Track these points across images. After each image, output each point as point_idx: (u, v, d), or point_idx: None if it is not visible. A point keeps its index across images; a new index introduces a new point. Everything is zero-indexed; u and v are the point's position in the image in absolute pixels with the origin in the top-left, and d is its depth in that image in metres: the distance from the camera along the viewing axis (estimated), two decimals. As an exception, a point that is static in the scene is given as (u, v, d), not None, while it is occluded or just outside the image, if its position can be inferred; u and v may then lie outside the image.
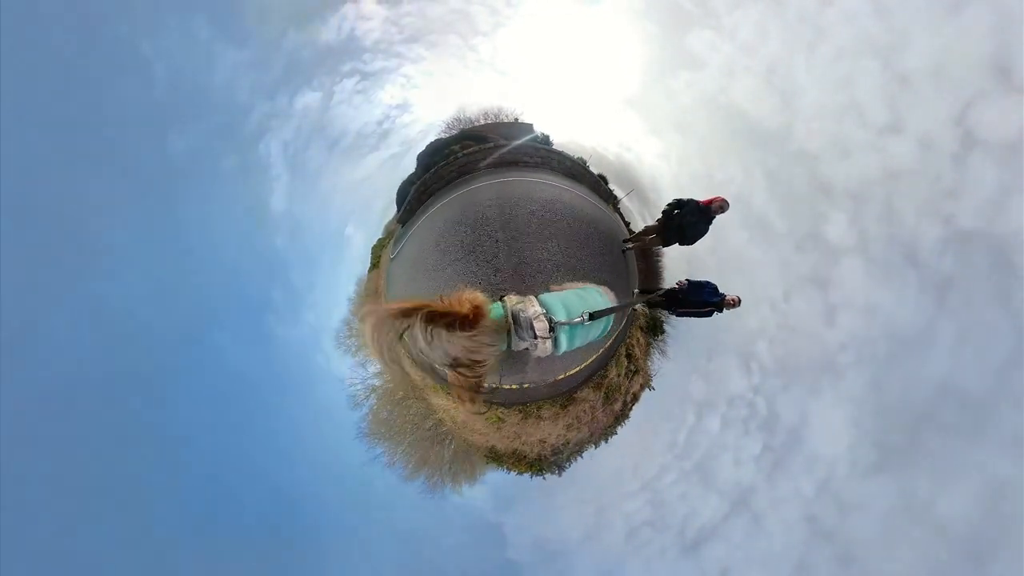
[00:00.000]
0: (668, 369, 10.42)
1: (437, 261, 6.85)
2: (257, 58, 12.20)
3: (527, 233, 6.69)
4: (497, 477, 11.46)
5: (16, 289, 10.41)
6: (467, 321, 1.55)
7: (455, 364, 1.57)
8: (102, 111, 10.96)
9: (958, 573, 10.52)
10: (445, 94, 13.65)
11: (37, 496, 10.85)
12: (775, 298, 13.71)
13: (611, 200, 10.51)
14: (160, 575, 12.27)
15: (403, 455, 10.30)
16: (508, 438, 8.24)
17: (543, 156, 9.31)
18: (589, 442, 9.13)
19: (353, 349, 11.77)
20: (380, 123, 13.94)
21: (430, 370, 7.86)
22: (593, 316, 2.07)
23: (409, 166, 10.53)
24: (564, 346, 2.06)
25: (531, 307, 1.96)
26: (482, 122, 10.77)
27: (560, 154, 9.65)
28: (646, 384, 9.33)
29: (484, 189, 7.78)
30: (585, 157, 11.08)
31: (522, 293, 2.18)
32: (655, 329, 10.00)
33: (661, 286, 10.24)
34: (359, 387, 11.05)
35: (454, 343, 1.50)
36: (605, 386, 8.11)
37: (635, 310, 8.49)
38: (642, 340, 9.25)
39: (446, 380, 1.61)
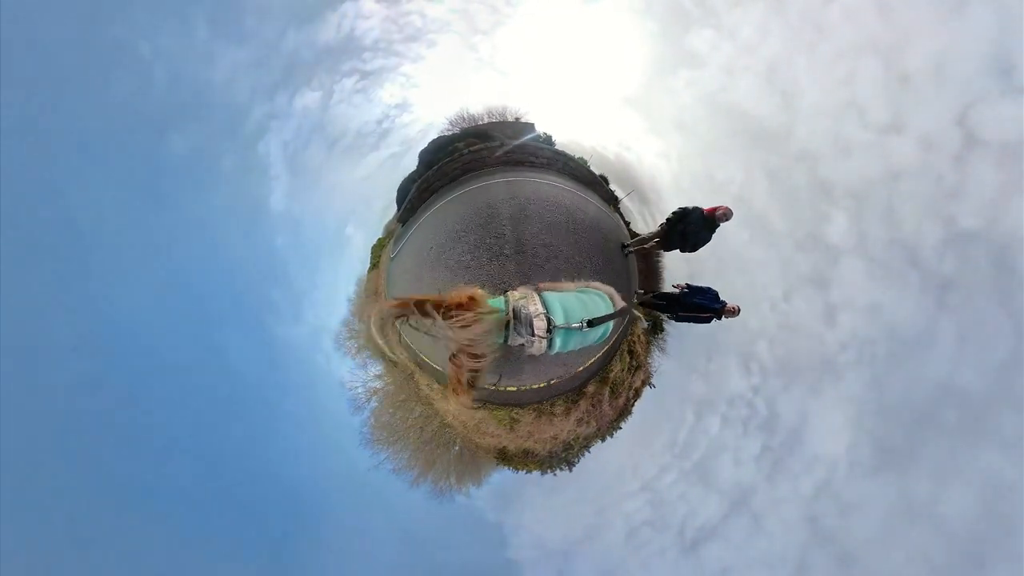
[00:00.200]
0: (668, 369, 10.44)
1: (440, 258, 6.85)
2: (256, 58, 12.18)
3: (532, 233, 6.71)
4: (497, 477, 11.50)
5: (15, 289, 10.41)
6: (462, 307, 1.59)
7: (455, 354, 1.59)
8: (101, 111, 10.95)
9: (958, 573, 10.53)
10: (445, 93, 13.63)
11: (38, 496, 10.87)
12: (775, 298, 13.71)
13: (612, 201, 10.51)
14: (159, 573, 12.29)
15: (408, 460, 10.25)
16: (521, 438, 8.31)
17: (548, 157, 9.33)
18: (596, 436, 9.24)
19: (353, 351, 11.75)
20: (380, 122, 13.92)
21: (429, 367, 7.89)
22: (591, 323, 2.09)
23: (409, 166, 10.51)
24: (558, 347, 2.08)
25: (533, 304, 1.98)
26: (486, 120, 10.74)
27: (565, 155, 9.68)
28: (647, 380, 9.42)
29: (490, 188, 7.77)
30: (585, 157, 11.09)
31: (526, 289, 2.20)
32: (654, 327, 10.04)
33: (661, 288, 10.26)
34: (360, 390, 11.01)
35: (452, 330, 1.53)
36: (611, 380, 8.23)
37: (636, 314, 8.50)
38: (643, 337, 9.32)
39: (444, 374, 1.64)
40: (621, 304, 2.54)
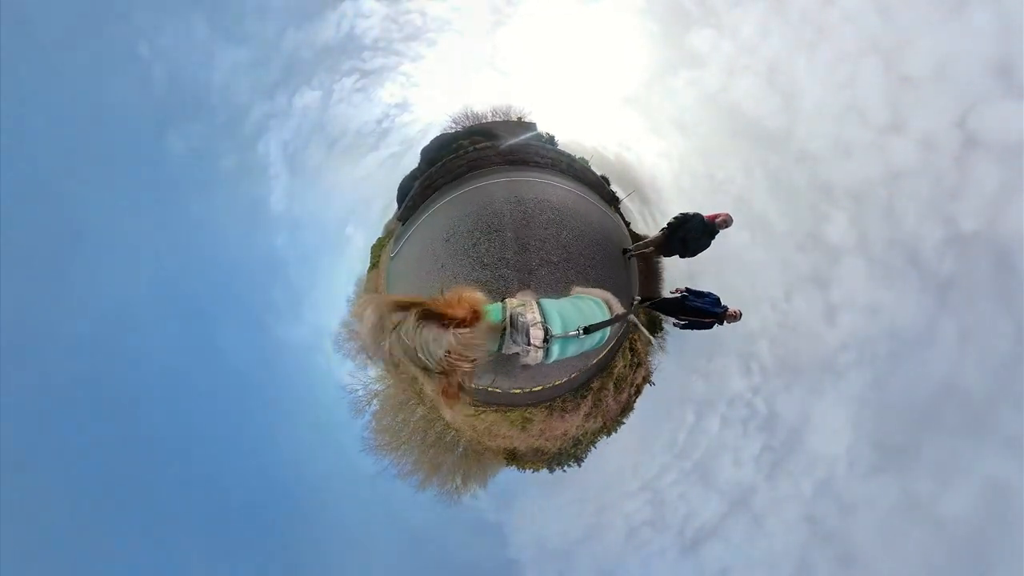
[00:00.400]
0: (668, 369, 10.44)
1: (441, 257, 6.82)
2: (256, 57, 12.16)
3: (535, 236, 6.67)
4: (498, 476, 11.48)
5: (15, 289, 10.37)
6: (463, 323, 1.54)
7: (444, 359, 1.56)
8: (100, 111, 10.92)
9: (959, 573, 10.54)
10: (445, 93, 13.61)
11: (38, 495, 10.83)
12: (775, 298, 13.72)
13: (613, 202, 10.50)
14: (159, 574, 12.26)
15: (413, 464, 10.19)
16: (533, 437, 8.38)
17: (553, 157, 9.32)
18: (602, 431, 9.34)
19: (353, 352, 11.71)
20: (380, 122, 13.90)
21: (419, 366, 7.80)
22: (588, 330, 2.08)
23: (409, 165, 10.49)
24: (555, 356, 2.05)
25: (530, 313, 1.94)
26: (490, 119, 10.73)
27: (568, 156, 9.67)
28: (647, 378, 9.49)
29: (494, 187, 7.73)
30: (586, 157, 11.09)
31: (524, 296, 2.16)
32: (653, 326, 10.07)
33: (661, 290, 10.26)
34: (360, 392, 10.95)
35: (446, 341, 1.48)
36: (615, 375, 8.38)
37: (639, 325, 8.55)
38: (644, 336, 9.34)
39: (431, 373, 1.59)
40: (619, 310, 2.53)
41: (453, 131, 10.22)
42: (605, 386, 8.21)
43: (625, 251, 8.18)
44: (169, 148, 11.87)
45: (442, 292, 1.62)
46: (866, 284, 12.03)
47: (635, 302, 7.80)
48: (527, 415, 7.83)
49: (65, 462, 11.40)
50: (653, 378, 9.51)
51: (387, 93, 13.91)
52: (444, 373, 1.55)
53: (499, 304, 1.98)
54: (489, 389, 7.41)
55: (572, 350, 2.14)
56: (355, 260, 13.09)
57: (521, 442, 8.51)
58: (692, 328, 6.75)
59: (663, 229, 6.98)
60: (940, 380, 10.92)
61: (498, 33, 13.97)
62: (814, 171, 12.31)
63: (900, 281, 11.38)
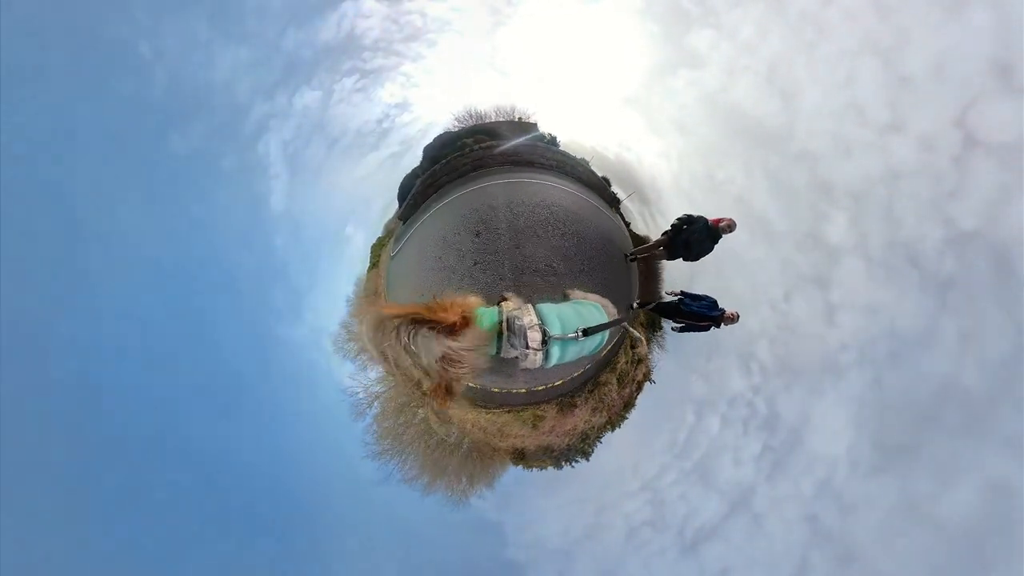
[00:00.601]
0: (668, 369, 10.43)
1: (442, 258, 6.81)
2: (256, 57, 12.19)
3: (537, 236, 6.65)
4: (501, 477, 11.45)
5: (16, 289, 10.39)
6: (453, 329, 1.56)
7: (437, 365, 1.56)
8: (102, 111, 10.95)
9: (959, 572, 10.53)
10: (445, 93, 13.65)
11: (39, 495, 10.84)
12: (775, 298, 13.72)
13: (614, 203, 10.51)
14: (159, 574, 12.26)
15: (417, 468, 10.10)
16: (544, 434, 8.43)
17: (557, 159, 9.30)
18: (607, 426, 9.37)
19: (352, 353, 11.67)
20: (380, 122, 13.94)
21: (416, 370, 7.77)
22: (587, 332, 2.06)
23: (409, 165, 10.48)
24: (555, 359, 2.04)
25: (527, 316, 1.94)
26: (493, 119, 10.73)
27: (572, 157, 9.68)
28: (647, 375, 9.54)
29: (497, 188, 7.69)
30: (586, 157, 11.10)
31: (523, 298, 2.16)
32: (653, 325, 10.09)
33: (660, 290, 10.26)
34: (360, 395, 10.83)
35: (436, 347, 1.51)
36: (618, 371, 8.44)
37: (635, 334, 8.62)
38: (643, 333, 9.40)
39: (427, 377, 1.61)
40: (615, 315, 2.52)
41: (456, 129, 10.24)
42: (609, 381, 8.28)
43: (627, 255, 8.17)
44: (170, 148, 11.91)
45: (434, 298, 1.64)
46: (866, 284, 12.05)
47: (633, 306, 7.80)
48: (538, 413, 7.88)
49: (65, 462, 11.41)
50: (653, 376, 9.54)
51: (387, 93, 13.97)
52: (437, 377, 1.57)
53: (495, 308, 1.98)
54: (500, 391, 7.45)
55: (572, 354, 2.12)
56: (355, 260, 13.12)
57: (532, 441, 8.56)
58: (689, 331, 6.74)
59: (666, 232, 6.97)
60: (940, 380, 10.94)
61: (498, 33, 14.01)
62: (814, 171, 12.33)
63: (900, 281, 11.40)
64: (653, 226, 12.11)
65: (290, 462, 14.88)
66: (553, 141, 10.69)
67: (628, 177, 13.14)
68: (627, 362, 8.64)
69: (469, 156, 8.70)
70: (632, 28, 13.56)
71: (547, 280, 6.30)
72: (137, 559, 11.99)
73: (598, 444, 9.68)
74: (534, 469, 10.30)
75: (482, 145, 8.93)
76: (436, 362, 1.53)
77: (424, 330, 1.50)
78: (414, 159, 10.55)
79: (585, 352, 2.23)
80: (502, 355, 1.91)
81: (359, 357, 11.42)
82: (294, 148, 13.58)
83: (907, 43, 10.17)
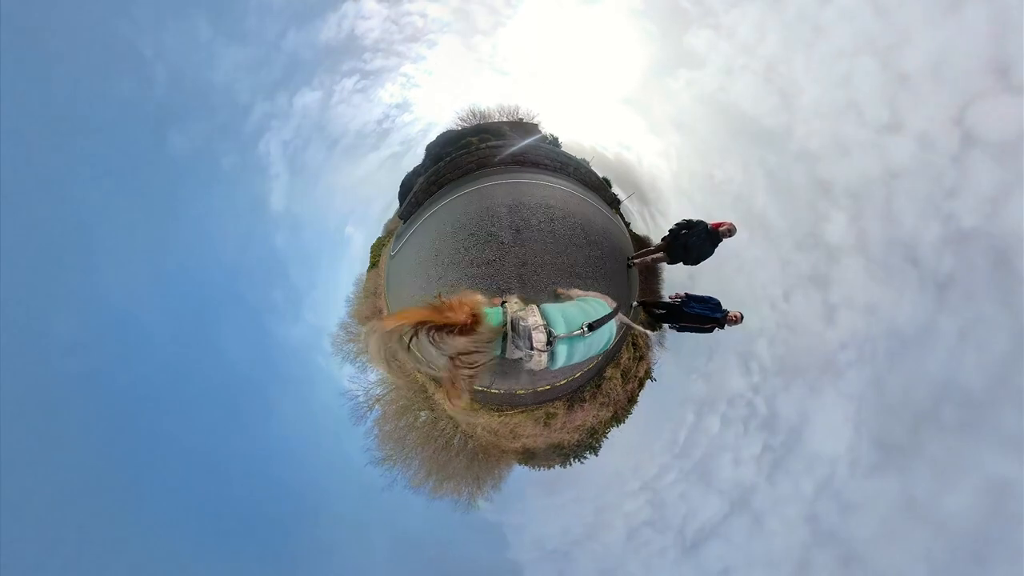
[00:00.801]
0: (668, 369, 10.43)
1: (443, 258, 6.80)
2: (257, 57, 12.25)
3: (540, 238, 6.66)
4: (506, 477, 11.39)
5: (16, 288, 10.41)
6: (463, 329, 1.57)
7: (449, 365, 1.57)
8: (103, 110, 10.99)
9: (960, 572, 10.49)
10: (445, 93, 13.70)
11: (40, 494, 10.83)
12: (775, 297, 13.73)
13: (614, 204, 10.54)
14: (159, 574, 12.23)
15: (422, 472, 9.99)
16: (555, 431, 8.45)
17: (561, 161, 9.34)
18: (613, 421, 9.42)
19: (352, 354, 11.63)
20: (380, 122, 13.99)
21: (429, 374, 7.75)
22: (592, 327, 2.03)
23: (409, 165, 10.52)
24: (561, 360, 2.00)
25: (532, 316, 1.91)
26: (496, 119, 10.77)
27: (576, 160, 9.73)
28: (648, 372, 9.58)
29: (501, 187, 7.69)
30: (587, 158, 11.14)
31: (526, 299, 2.13)
32: (653, 324, 10.10)
33: (660, 289, 10.28)
34: (361, 398, 10.75)
35: (449, 346, 1.53)
36: (621, 366, 8.52)
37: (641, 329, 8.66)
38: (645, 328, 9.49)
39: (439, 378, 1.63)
40: (618, 311, 2.50)
41: (460, 128, 10.27)
42: (613, 376, 8.36)
43: (627, 262, 8.17)
44: (170, 147, 11.95)
45: (439, 298, 1.64)
46: (865, 283, 12.06)
47: (634, 306, 7.79)
48: (551, 410, 7.94)
49: (65, 461, 11.41)
50: (653, 374, 9.57)
51: (387, 94, 14.03)
52: (449, 376, 1.59)
53: (499, 308, 1.95)
54: (516, 391, 7.48)
55: (580, 352, 2.09)
56: (355, 260, 13.15)
57: (543, 439, 8.58)
58: (691, 331, 6.71)
59: (665, 236, 6.96)
60: (940, 378, 10.92)
61: (498, 34, 14.07)
62: (812, 170, 12.36)
63: (899, 279, 11.40)
64: (653, 226, 12.15)
65: (289, 462, 14.88)
66: (555, 142, 10.73)
67: (628, 177, 13.19)
68: (630, 358, 8.72)
69: (475, 154, 8.72)
70: (631, 28, 13.62)
71: (549, 282, 6.30)
72: (136, 559, 11.99)
73: (605, 439, 9.68)
74: (541, 468, 10.30)
75: (487, 144, 8.96)
76: (450, 363, 1.55)
77: (436, 333, 1.51)
78: (414, 159, 10.60)
79: (593, 351, 2.20)
80: (507, 356, 1.89)
81: (359, 358, 11.41)
82: (294, 148, 13.64)
83: (905, 42, 10.21)
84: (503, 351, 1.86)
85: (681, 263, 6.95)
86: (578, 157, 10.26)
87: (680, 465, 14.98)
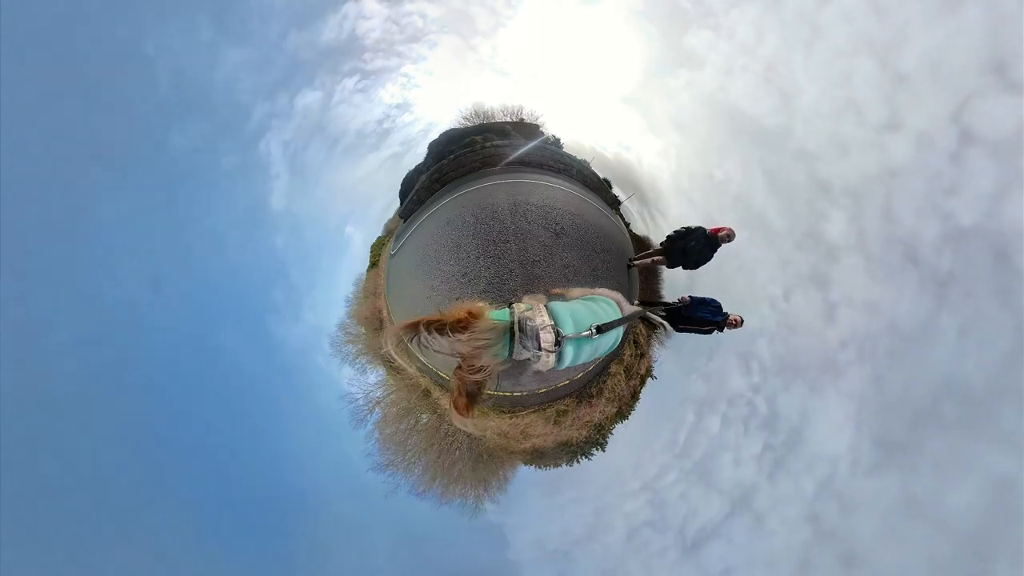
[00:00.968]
0: (668, 369, 10.42)
1: (444, 258, 6.79)
2: (258, 57, 12.30)
3: (542, 239, 6.65)
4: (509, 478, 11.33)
5: (17, 288, 10.40)
6: (461, 324, 1.58)
7: (459, 368, 1.58)
8: (104, 109, 11.02)
9: (962, 570, 10.46)
10: (445, 94, 13.76)
11: (40, 494, 10.79)
12: (775, 297, 13.74)
13: (615, 204, 10.56)
14: (159, 573, 12.18)
15: (427, 477, 9.83)
16: (565, 429, 8.44)
17: (564, 162, 9.36)
18: (618, 417, 9.46)
19: (351, 356, 11.57)
20: (380, 122, 14.05)
21: (436, 381, 7.82)
22: (601, 329, 1.99)
23: (409, 166, 10.54)
24: (568, 361, 1.98)
25: (539, 316, 1.88)
26: (499, 118, 10.80)
27: (576, 160, 9.75)
28: (649, 370, 9.61)
29: (503, 187, 7.68)
30: (587, 158, 11.17)
31: (533, 299, 2.11)
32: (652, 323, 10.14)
33: (661, 292, 10.29)
34: (360, 401, 10.59)
35: (452, 344, 1.53)
36: (625, 363, 8.58)
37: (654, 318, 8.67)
38: (644, 329, 9.51)
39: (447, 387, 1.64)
40: (629, 310, 2.46)
41: (464, 126, 10.30)
42: (618, 372, 8.41)
43: (628, 263, 8.19)
44: (171, 146, 11.99)
45: (439, 311, 1.66)
46: (865, 282, 12.07)
47: (636, 305, 7.80)
48: (561, 407, 7.97)
49: (65, 461, 11.37)
50: (654, 371, 9.57)
51: (388, 94, 14.09)
52: (459, 378, 1.60)
53: (506, 309, 1.94)
54: (524, 393, 7.49)
55: (587, 353, 2.06)
56: (355, 260, 13.16)
57: (553, 437, 8.59)
58: (690, 332, 6.72)
59: (664, 241, 6.98)
60: (940, 376, 10.92)
61: (498, 35, 14.14)
62: (812, 169, 12.40)
63: (899, 278, 11.43)
64: (652, 226, 12.17)
65: (289, 462, 14.84)
66: (557, 143, 10.76)
67: (627, 177, 13.21)
68: (631, 355, 8.77)
69: (479, 153, 8.72)
70: (631, 29, 13.70)
71: (552, 282, 6.30)
72: (137, 560, 11.93)
73: (611, 435, 9.68)
74: (549, 468, 10.27)
75: (491, 144, 8.97)
76: (455, 368, 1.56)
77: (434, 333, 1.54)
78: (414, 159, 10.60)
79: (600, 352, 2.17)
80: (514, 357, 1.85)
81: (358, 360, 11.35)
82: (295, 148, 13.68)
83: (903, 41, 10.27)
84: (510, 352, 1.82)
85: (681, 267, 6.97)
86: (579, 158, 10.30)
87: (680, 465, 14.97)
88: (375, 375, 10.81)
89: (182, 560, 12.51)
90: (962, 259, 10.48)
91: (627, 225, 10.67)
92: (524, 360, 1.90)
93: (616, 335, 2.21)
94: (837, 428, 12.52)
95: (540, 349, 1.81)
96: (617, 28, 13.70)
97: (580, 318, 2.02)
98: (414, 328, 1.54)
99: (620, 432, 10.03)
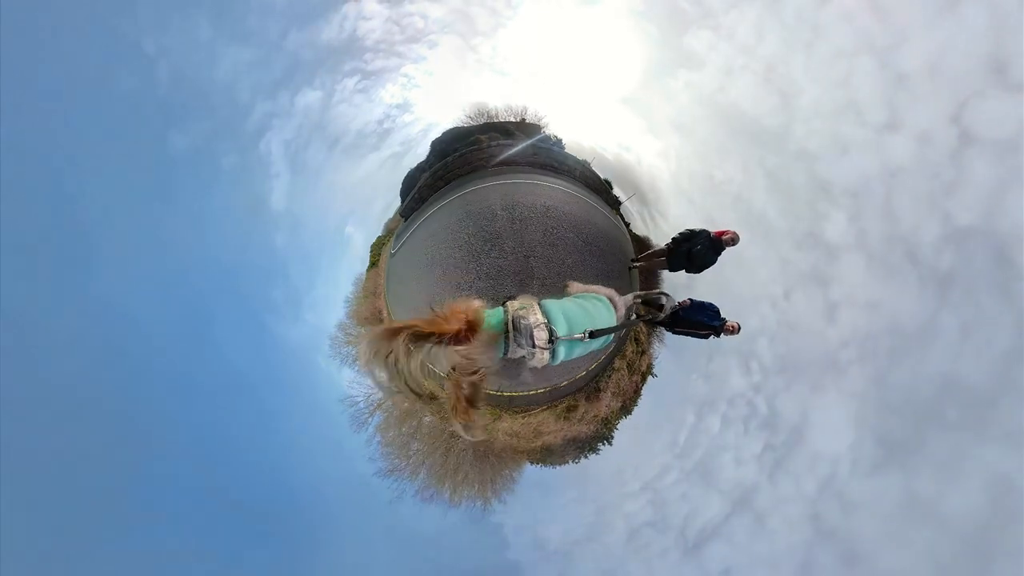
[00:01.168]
0: (668, 369, 10.41)
1: (446, 255, 6.78)
2: (258, 57, 12.29)
3: (543, 239, 6.67)
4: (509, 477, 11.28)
5: (17, 287, 10.36)
6: (459, 337, 1.52)
7: (452, 370, 1.52)
8: (104, 109, 11.00)
9: (963, 570, 10.44)
10: (445, 94, 13.76)
11: (39, 494, 10.74)
12: (775, 296, 13.73)
13: (615, 205, 10.57)
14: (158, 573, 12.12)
15: (433, 481, 9.74)
16: (574, 424, 8.51)
17: (568, 164, 9.41)
18: (622, 411, 9.53)
19: (351, 358, 11.52)
20: (380, 122, 14.05)
21: (415, 393, 7.67)
22: (593, 335, 2.03)
23: (409, 166, 10.53)
24: (561, 357, 2.02)
25: (533, 315, 1.91)
26: (503, 118, 10.81)
27: (578, 161, 9.80)
28: (650, 367, 9.64)
29: (508, 187, 7.67)
30: (587, 158, 11.19)
31: (526, 298, 2.12)
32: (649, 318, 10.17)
33: (660, 288, 10.27)
34: (361, 404, 10.52)
35: (445, 359, 1.48)
36: (627, 359, 8.74)
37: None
38: (644, 327, 9.58)
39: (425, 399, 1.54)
40: (622, 305, 2.53)
41: (468, 125, 10.30)
42: (621, 367, 8.53)
43: (629, 264, 8.19)
44: (171, 146, 11.97)
45: (432, 309, 1.58)
46: (865, 281, 12.09)
47: (638, 299, 7.79)
48: (571, 403, 8.07)
49: (65, 461, 11.32)
50: (655, 369, 9.61)
51: (388, 94, 14.09)
52: (454, 391, 1.53)
53: (500, 308, 1.95)
54: (537, 392, 7.53)
55: (579, 351, 2.10)
56: (355, 260, 13.15)
57: (563, 433, 8.63)
58: (687, 336, 6.71)
59: (668, 243, 6.97)
60: (941, 375, 10.93)
61: (498, 35, 14.15)
62: (812, 169, 12.41)
63: (899, 277, 11.44)
64: (652, 227, 12.18)
65: (289, 462, 14.80)
66: (559, 143, 10.78)
67: (627, 177, 13.22)
68: (633, 352, 8.91)
69: (485, 151, 8.73)
70: (630, 29, 13.72)
71: (551, 282, 6.30)
72: (137, 560, 11.87)
73: (616, 429, 9.72)
74: (557, 465, 10.29)
75: (496, 143, 8.99)
76: (450, 374, 1.50)
77: (429, 345, 1.45)
78: (414, 159, 10.60)
79: (593, 348, 2.21)
80: (509, 355, 1.88)
81: (357, 362, 11.25)
82: (295, 148, 13.67)
83: (903, 41, 10.30)
84: (506, 350, 1.85)
85: (684, 271, 6.95)
86: (580, 159, 10.31)
87: (681, 465, 14.96)
88: (375, 378, 10.69)
89: (182, 560, 12.46)
90: (963, 258, 10.52)
91: (627, 225, 10.69)
92: (519, 358, 1.92)
93: (607, 337, 2.22)
94: (838, 427, 12.53)
95: (534, 347, 1.84)
96: (617, 28, 13.73)
97: (573, 317, 2.05)
98: (396, 336, 1.40)
99: (621, 432, 10.04)
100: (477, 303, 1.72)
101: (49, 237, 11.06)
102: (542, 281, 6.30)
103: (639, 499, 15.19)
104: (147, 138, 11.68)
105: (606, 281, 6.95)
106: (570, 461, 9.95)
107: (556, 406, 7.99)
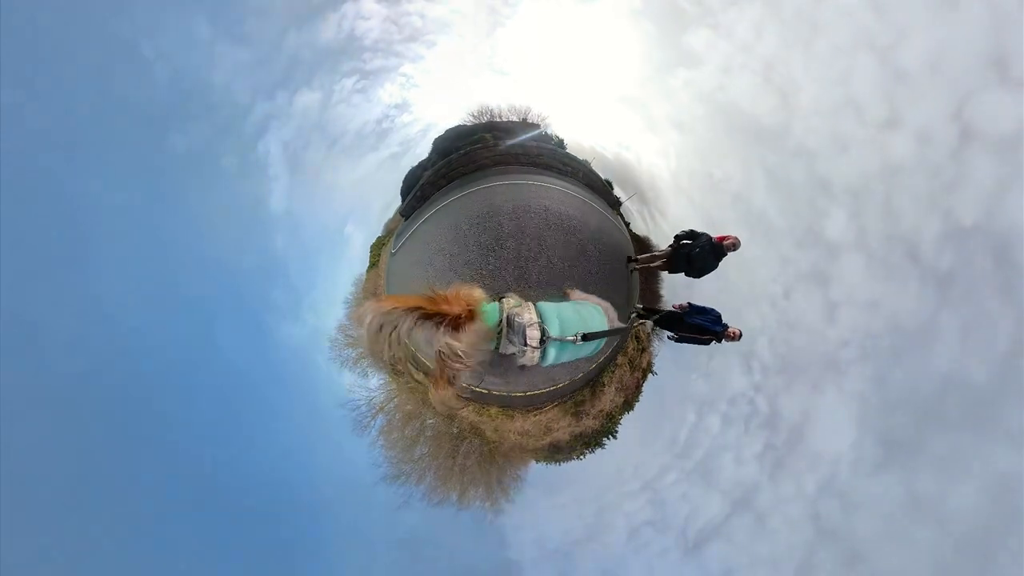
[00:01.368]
0: (669, 368, 10.39)
1: (446, 254, 6.77)
2: (257, 57, 12.31)
3: (544, 239, 6.64)
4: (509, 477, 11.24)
5: (17, 287, 10.40)
6: (458, 322, 1.54)
7: (441, 351, 1.54)
8: (103, 110, 11.02)
9: (964, 568, 10.40)
10: (444, 94, 13.77)
11: (39, 494, 10.78)
12: (775, 295, 13.70)
13: (616, 205, 10.55)
14: (158, 573, 12.15)
15: (441, 484, 9.64)
16: (583, 420, 8.54)
17: (571, 166, 9.38)
18: (625, 407, 9.49)
19: (351, 359, 11.46)
20: (379, 122, 14.07)
21: (419, 368, 7.77)
22: (586, 338, 2.05)
23: (408, 166, 10.54)
24: (551, 359, 2.04)
25: (527, 313, 1.94)
26: (506, 118, 10.81)
27: (579, 161, 9.80)
28: (650, 364, 9.66)
29: (510, 188, 7.65)
30: (587, 158, 11.18)
31: (524, 297, 2.14)
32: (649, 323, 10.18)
33: (661, 293, 10.26)
34: (363, 406, 10.45)
35: (438, 341, 1.49)
36: (629, 355, 8.80)
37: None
38: (644, 329, 9.60)
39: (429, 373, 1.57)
40: (615, 321, 2.52)
41: (471, 124, 10.30)
42: (623, 364, 8.59)
43: (630, 259, 8.15)
44: (170, 147, 11.99)
45: (433, 290, 1.60)
46: (866, 280, 12.04)
47: (636, 312, 7.75)
48: (579, 398, 8.14)
49: (65, 461, 11.37)
50: (655, 367, 9.60)
51: (387, 94, 14.11)
52: (438, 368, 1.57)
53: (496, 304, 1.97)
54: (545, 390, 7.53)
55: (568, 355, 2.12)
56: (355, 260, 13.17)
57: (570, 430, 8.66)
58: (688, 343, 6.67)
59: (670, 245, 6.93)
60: (942, 374, 10.88)
61: (497, 34, 14.15)
62: (812, 167, 12.37)
63: (900, 276, 11.39)
64: (652, 226, 12.15)
65: (289, 462, 14.82)
66: (560, 144, 10.77)
67: (627, 176, 13.21)
68: (634, 349, 8.96)
69: (491, 150, 8.72)
70: (629, 28, 13.70)
71: (550, 283, 6.29)
72: (138, 561, 11.92)
73: (620, 424, 9.73)
74: (563, 462, 10.30)
75: (500, 142, 8.99)
76: (437, 357, 1.52)
77: (427, 323, 1.47)
78: (414, 159, 10.62)
79: (582, 354, 2.22)
80: (500, 350, 1.91)
81: (358, 364, 11.25)
82: (294, 148, 13.70)
83: (903, 38, 10.25)
84: (498, 345, 1.87)
85: (683, 274, 6.91)
86: (580, 159, 10.29)
87: (681, 465, 14.94)
88: (377, 378, 10.76)
89: (182, 561, 12.50)
90: (963, 256, 10.46)
91: (627, 225, 10.67)
92: (509, 354, 1.94)
93: (598, 342, 2.25)
94: (839, 427, 12.49)
95: (526, 345, 1.87)
96: (616, 27, 13.71)
97: (566, 320, 2.07)
98: (400, 312, 1.44)
99: (621, 431, 10.01)
100: (479, 292, 1.76)
101: (50, 238, 11.11)
102: (542, 282, 6.29)
103: (639, 498, 15.20)
104: (147, 140, 11.73)
105: (606, 282, 6.97)
106: (576, 457, 9.94)
107: (565, 402, 8.05)
